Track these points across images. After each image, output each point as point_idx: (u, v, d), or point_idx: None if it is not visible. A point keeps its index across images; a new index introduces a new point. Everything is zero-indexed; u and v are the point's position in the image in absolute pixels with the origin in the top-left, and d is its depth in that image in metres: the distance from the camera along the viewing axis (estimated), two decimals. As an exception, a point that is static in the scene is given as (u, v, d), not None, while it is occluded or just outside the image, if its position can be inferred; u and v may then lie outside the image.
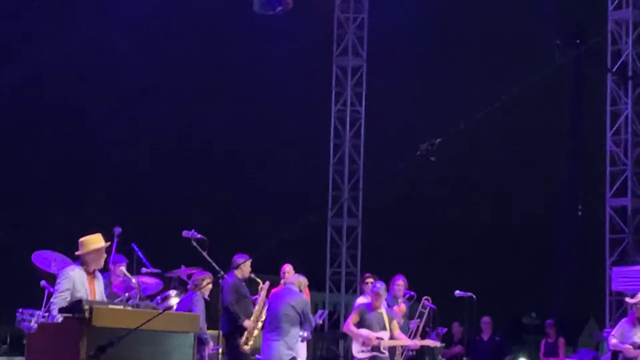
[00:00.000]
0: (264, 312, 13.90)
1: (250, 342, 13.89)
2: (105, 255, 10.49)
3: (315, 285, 18.99)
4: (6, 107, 24.23)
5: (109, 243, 10.56)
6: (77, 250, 10.35)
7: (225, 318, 13.86)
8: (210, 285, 13.04)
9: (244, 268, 14.01)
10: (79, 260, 10.36)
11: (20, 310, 10.49)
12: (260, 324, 13.99)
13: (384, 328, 13.55)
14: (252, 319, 13.87)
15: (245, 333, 13.83)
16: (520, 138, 26.63)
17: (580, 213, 21.27)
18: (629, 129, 21.37)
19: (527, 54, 24.75)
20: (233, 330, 13.83)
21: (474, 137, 24.47)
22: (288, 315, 13.16)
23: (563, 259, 27.00)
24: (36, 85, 24.49)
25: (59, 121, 25.69)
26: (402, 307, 14.96)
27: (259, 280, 14.18)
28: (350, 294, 23.17)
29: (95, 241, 10.34)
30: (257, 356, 14.06)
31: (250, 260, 13.87)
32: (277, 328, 13.12)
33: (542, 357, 18.63)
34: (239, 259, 13.95)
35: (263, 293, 14.07)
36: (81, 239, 10.33)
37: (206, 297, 13.25)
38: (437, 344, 15.33)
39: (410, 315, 15.50)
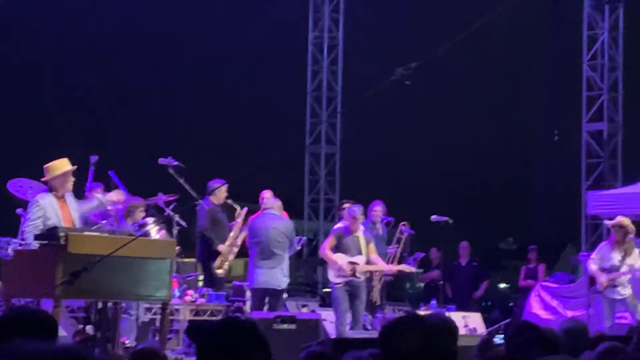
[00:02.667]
0: (240, 237, 13.91)
1: (225, 266, 13.89)
2: (72, 179, 10.48)
3: (294, 212, 18.94)
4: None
5: (75, 167, 10.52)
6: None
7: (201, 244, 13.90)
8: (142, 213, 12.85)
9: (219, 194, 13.95)
10: (47, 187, 10.38)
11: (-4, 238, 10.47)
12: (235, 250, 14.01)
13: (360, 252, 13.48)
14: (226, 244, 13.87)
15: (220, 257, 13.83)
16: (498, 63, 26.53)
17: (556, 138, 21.30)
18: (605, 54, 21.32)
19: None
20: (208, 256, 13.86)
21: (452, 63, 24.38)
22: (280, 242, 13.17)
23: (540, 185, 27.12)
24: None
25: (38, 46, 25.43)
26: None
27: (236, 206, 14.18)
28: (329, 221, 23.19)
29: (60, 166, 10.34)
30: (236, 282, 14.10)
31: (226, 185, 13.81)
32: (273, 255, 13.09)
33: (521, 281, 18.79)
34: (214, 184, 13.88)
35: (240, 219, 14.06)
36: (46, 165, 10.36)
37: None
38: (413, 269, 15.25)
39: (388, 240, 15.49)
